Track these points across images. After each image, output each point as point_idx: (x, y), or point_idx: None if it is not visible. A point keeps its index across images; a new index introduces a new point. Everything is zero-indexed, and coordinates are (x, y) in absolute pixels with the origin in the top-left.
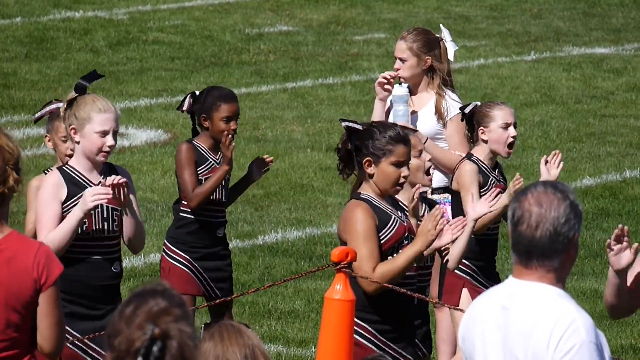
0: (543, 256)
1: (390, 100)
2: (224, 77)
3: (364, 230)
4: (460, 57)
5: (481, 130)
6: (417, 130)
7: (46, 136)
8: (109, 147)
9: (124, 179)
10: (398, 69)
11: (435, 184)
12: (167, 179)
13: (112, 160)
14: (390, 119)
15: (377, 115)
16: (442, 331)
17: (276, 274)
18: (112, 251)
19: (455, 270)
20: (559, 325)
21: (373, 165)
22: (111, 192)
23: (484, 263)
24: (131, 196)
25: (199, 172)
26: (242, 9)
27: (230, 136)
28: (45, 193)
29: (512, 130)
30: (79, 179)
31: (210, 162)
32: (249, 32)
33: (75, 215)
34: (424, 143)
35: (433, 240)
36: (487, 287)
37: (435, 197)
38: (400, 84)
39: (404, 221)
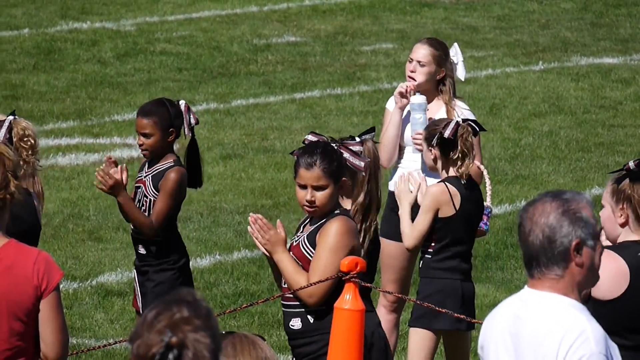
0: (541, 264)
1: (408, 109)
2: (232, 87)
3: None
4: (468, 68)
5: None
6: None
7: None
8: None
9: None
10: (413, 72)
11: None
12: None
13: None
14: (409, 127)
15: (395, 123)
16: None
17: None
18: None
19: None
20: (569, 335)
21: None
22: None
23: None
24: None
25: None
26: (249, 19)
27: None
28: None
29: None
30: None
31: (138, 176)
32: (257, 43)
33: None
34: None
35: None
36: None
37: None
38: (415, 93)
39: (293, 242)
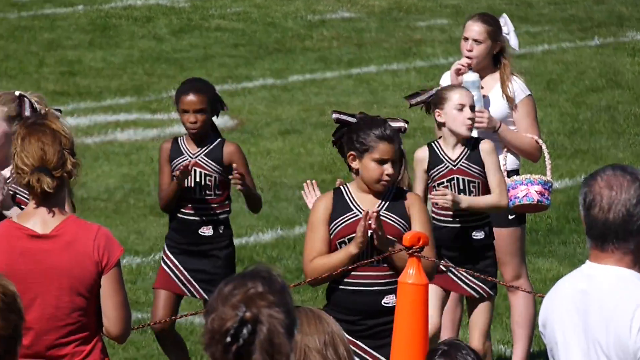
0: (618, 238)
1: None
2: (288, 63)
3: (312, 221)
4: (524, 43)
5: (437, 113)
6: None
7: None
8: None
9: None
10: (470, 50)
11: (509, 167)
12: None
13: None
14: None
15: None
16: (517, 315)
17: None
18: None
19: None
20: None
21: (357, 159)
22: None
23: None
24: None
25: (173, 167)
26: None
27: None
28: None
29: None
30: None
31: (184, 157)
32: (311, 19)
33: None
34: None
35: (363, 245)
36: None
37: (509, 181)
38: (469, 71)
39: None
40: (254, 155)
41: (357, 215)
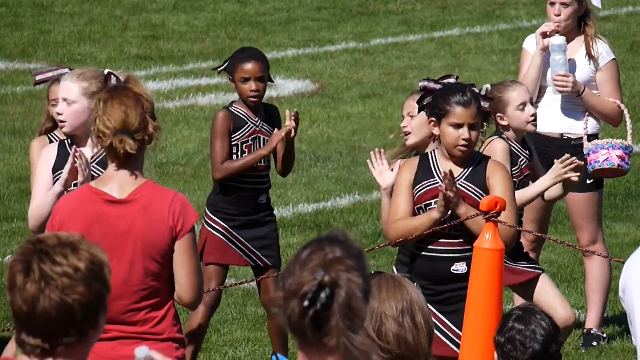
0: None
1: (548, 50)
2: (371, 26)
3: (397, 184)
4: (608, 4)
5: (499, 117)
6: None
7: (53, 100)
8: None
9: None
10: (558, 15)
11: (589, 130)
12: (314, 129)
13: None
14: (550, 69)
15: (536, 65)
16: (592, 280)
17: None
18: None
19: None
20: None
21: (437, 126)
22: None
23: None
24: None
25: (237, 137)
26: None
27: (291, 127)
28: None
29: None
30: None
31: (249, 125)
32: None
33: None
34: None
35: (445, 210)
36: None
37: (589, 145)
38: (555, 34)
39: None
40: (334, 120)
41: (437, 182)
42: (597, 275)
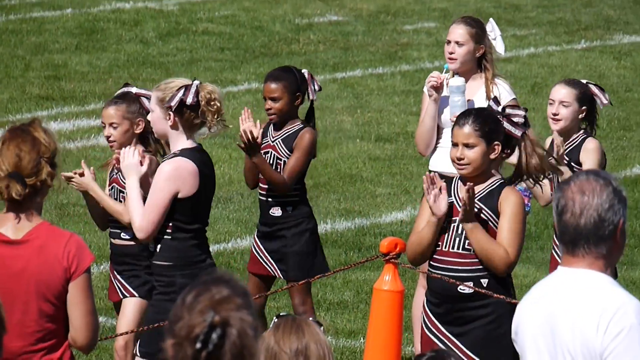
0: (589, 243)
1: (447, 91)
2: (274, 67)
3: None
4: (511, 46)
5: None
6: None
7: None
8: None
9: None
10: (452, 53)
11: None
12: (216, 170)
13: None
14: (448, 110)
15: (431, 115)
16: None
17: None
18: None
19: None
20: (609, 308)
21: None
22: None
23: None
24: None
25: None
26: None
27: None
28: None
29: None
30: None
31: (266, 140)
32: (299, 22)
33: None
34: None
35: (435, 210)
36: None
37: None
38: (454, 75)
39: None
40: (235, 161)
41: (453, 201)
42: None
